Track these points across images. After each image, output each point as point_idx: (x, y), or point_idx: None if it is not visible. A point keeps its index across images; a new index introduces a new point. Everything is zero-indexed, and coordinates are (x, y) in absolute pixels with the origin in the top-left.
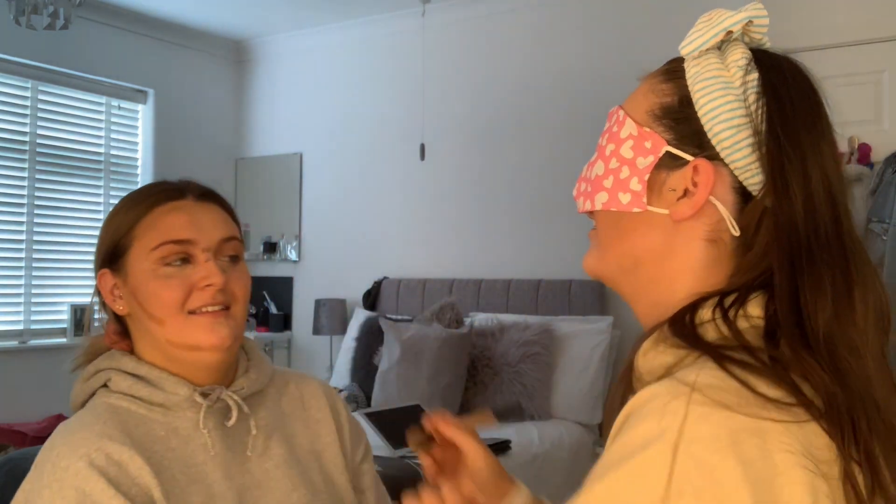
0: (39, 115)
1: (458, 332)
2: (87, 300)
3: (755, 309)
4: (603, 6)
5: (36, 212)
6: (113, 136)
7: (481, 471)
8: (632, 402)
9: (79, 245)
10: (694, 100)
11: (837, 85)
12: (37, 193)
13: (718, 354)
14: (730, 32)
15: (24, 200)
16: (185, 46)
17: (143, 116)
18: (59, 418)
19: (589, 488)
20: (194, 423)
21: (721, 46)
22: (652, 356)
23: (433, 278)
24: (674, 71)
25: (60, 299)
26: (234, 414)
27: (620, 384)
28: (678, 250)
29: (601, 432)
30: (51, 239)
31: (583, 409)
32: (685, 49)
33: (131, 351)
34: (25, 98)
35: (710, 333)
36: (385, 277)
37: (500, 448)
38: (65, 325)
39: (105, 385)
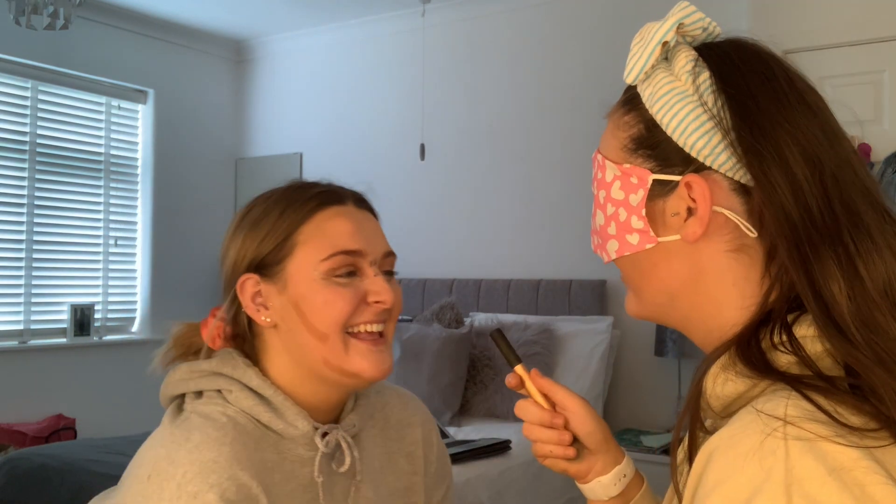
0: (39, 115)
1: (458, 332)
2: (87, 300)
3: (811, 328)
4: (603, 6)
5: (36, 212)
6: (113, 136)
7: (593, 433)
8: (715, 441)
9: (79, 245)
10: (658, 121)
11: (837, 85)
12: (37, 193)
13: (799, 384)
14: (665, 43)
15: (24, 200)
16: (185, 46)
17: (143, 116)
18: (60, 418)
19: None
20: (303, 460)
21: (667, 56)
22: (721, 382)
23: (433, 278)
24: (631, 99)
25: (60, 299)
26: (348, 461)
27: (687, 409)
28: (707, 270)
29: None
30: (51, 239)
31: None
32: (629, 77)
33: (246, 356)
34: (25, 98)
35: (780, 359)
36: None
37: (500, 448)
38: (65, 325)
39: (218, 391)
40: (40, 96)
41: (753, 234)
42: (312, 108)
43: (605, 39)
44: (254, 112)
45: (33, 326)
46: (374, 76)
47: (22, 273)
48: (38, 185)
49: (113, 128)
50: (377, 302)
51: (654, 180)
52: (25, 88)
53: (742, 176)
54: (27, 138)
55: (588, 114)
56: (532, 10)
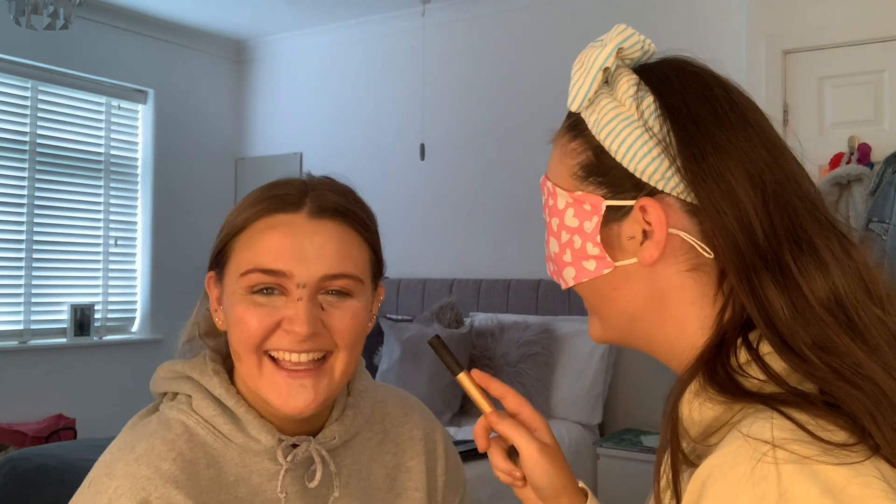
0: (39, 115)
1: (458, 332)
2: (87, 300)
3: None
4: (604, 6)
5: (36, 212)
6: (113, 136)
7: (545, 489)
8: (706, 469)
9: (79, 245)
10: (606, 148)
11: (837, 85)
12: (37, 193)
13: (777, 402)
14: (606, 69)
15: (24, 200)
16: (185, 46)
17: (143, 116)
18: (60, 418)
19: None
20: (270, 474)
21: (607, 80)
22: (697, 407)
23: (433, 278)
24: (576, 125)
25: (60, 299)
26: (319, 475)
27: (666, 436)
28: (666, 290)
29: (601, 432)
30: (51, 239)
31: (583, 409)
32: (573, 105)
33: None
34: (25, 98)
35: (748, 381)
36: (385, 277)
37: None
38: (65, 325)
39: (189, 397)
40: (40, 96)
41: (709, 254)
42: (312, 108)
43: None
44: (254, 112)
45: (33, 326)
46: (374, 76)
47: (22, 273)
48: (38, 185)
49: (113, 128)
50: (289, 329)
51: (608, 206)
52: (25, 88)
53: (693, 198)
54: (27, 138)
55: None
56: (532, 10)
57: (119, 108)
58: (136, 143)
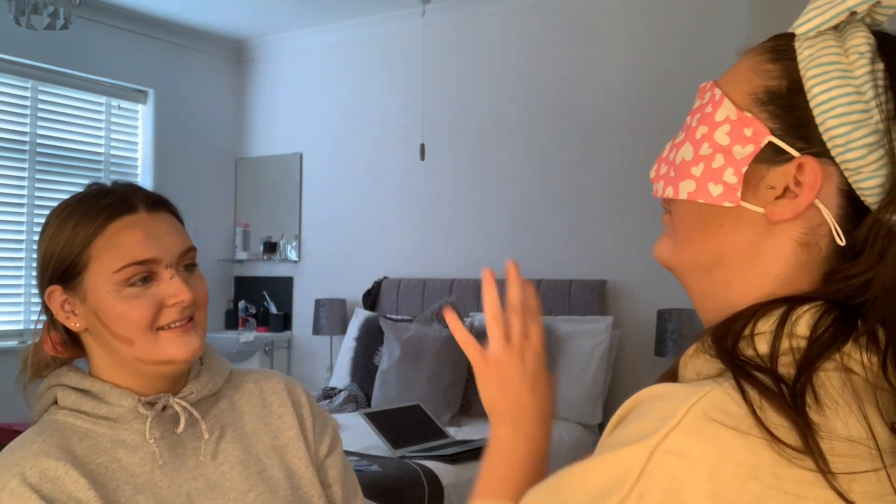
0: (39, 115)
1: None
2: None
3: (802, 327)
4: (603, 6)
5: (36, 212)
6: (113, 136)
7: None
8: (641, 394)
9: None
10: (806, 87)
11: None
12: (37, 193)
13: (740, 372)
14: (853, 13)
15: (24, 200)
16: (185, 46)
17: (143, 116)
18: None
19: (571, 467)
20: (142, 433)
21: (838, 27)
22: (691, 364)
23: (433, 278)
24: (782, 50)
25: None
26: (183, 421)
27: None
28: (765, 253)
29: (601, 432)
30: None
31: (583, 409)
32: (801, 28)
33: (81, 359)
34: (25, 98)
35: (761, 346)
36: (385, 277)
37: None
38: None
39: (56, 402)
40: (40, 96)
41: (843, 242)
42: (312, 108)
43: (604, 39)
44: (254, 112)
45: (33, 326)
46: (374, 76)
47: (22, 273)
48: (38, 185)
49: (113, 128)
50: (176, 303)
51: (770, 143)
52: (25, 88)
53: (860, 181)
54: (27, 138)
55: (587, 113)
56: (532, 10)
57: (119, 108)
58: (136, 143)
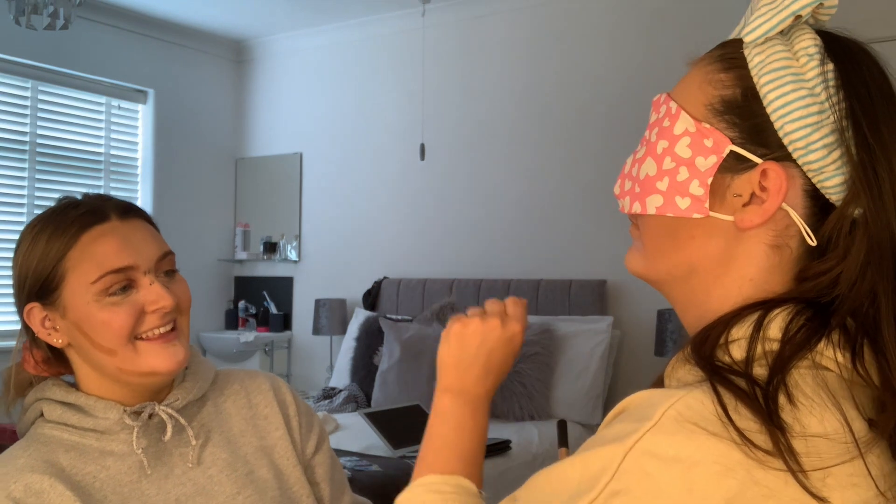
0: (39, 115)
1: None
2: None
3: (774, 331)
4: (603, 6)
5: (36, 212)
6: (113, 136)
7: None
8: (627, 400)
9: None
10: (761, 94)
11: None
12: (37, 193)
13: (716, 376)
14: (798, 17)
15: (24, 200)
16: (185, 46)
17: (143, 116)
18: None
19: (553, 465)
20: (129, 444)
21: (784, 31)
22: (674, 374)
23: (433, 278)
24: (732, 58)
25: None
26: (169, 429)
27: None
28: (738, 258)
29: None
30: None
31: (583, 409)
32: (749, 36)
33: (67, 375)
34: (25, 98)
35: (736, 353)
36: (385, 277)
37: (500, 448)
38: None
39: (42, 415)
40: (40, 96)
41: (814, 242)
42: (312, 108)
43: (604, 39)
44: (254, 112)
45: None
46: (374, 76)
47: None
48: (38, 185)
49: (113, 128)
50: (157, 309)
51: (732, 152)
52: (25, 88)
53: (823, 181)
54: (27, 138)
55: (587, 113)
56: (532, 10)
57: (119, 108)
58: (136, 143)
